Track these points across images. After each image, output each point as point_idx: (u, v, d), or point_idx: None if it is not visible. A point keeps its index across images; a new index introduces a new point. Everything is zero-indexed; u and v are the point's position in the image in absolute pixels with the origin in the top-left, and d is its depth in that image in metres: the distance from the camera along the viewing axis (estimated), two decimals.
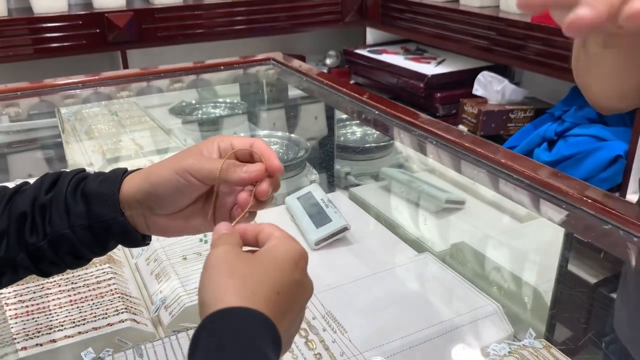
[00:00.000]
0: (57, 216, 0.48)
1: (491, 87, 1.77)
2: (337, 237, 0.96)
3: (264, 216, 1.04)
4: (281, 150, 1.28)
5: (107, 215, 0.48)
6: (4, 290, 0.79)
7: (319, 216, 0.99)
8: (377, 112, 1.02)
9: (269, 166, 0.48)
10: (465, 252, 0.95)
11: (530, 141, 1.63)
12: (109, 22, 2.01)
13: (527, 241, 0.97)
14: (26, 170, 1.38)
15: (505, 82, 1.77)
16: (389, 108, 0.98)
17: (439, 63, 2.13)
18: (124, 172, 0.51)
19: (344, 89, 1.11)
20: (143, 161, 1.26)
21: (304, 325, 0.73)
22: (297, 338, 0.70)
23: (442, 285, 0.82)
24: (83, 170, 0.52)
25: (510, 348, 0.70)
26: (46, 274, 0.51)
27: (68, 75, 1.34)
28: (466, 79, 1.94)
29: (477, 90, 1.80)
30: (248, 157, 0.50)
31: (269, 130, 1.37)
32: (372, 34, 2.57)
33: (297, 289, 0.43)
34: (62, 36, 1.98)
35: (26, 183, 0.52)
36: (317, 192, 1.06)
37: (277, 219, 1.05)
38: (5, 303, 0.77)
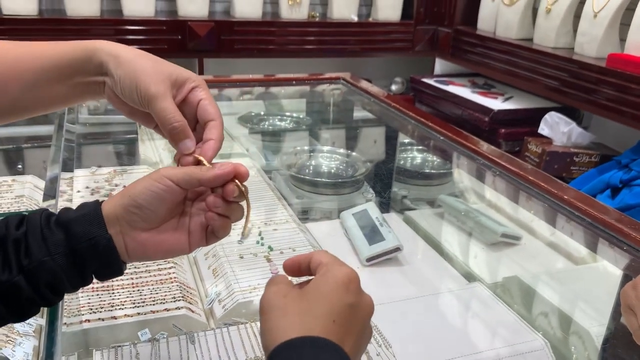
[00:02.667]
0: (35, 246, 0.46)
1: (557, 128, 1.75)
2: (389, 257, 0.97)
3: (318, 228, 1.07)
4: (341, 167, 1.31)
5: (93, 233, 0.48)
6: None
7: (372, 234, 1.01)
8: (442, 137, 1.03)
9: (237, 171, 0.51)
10: (517, 287, 0.94)
11: (594, 186, 1.60)
12: (190, 30, 2.11)
13: (582, 283, 0.95)
14: (97, 162, 1.46)
15: (573, 124, 1.74)
16: (454, 135, 1.00)
17: (506, 99, 2.12)
18: (97, 201, 0.51)
19: (411, 113, 1.13)
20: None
21: None
22: None
23: (491, 315, 0.82)
24: (46, 209, 0.51)
25: None
26: (19, 317, 0.49)
27: None
28: (532, 117, 1.92)
29: (543, 129, 1.78)
30: None
31: (330, 146, 1.40)
32: (440, 65, 2.59)
33: (352, 311, 0.45)
34: (145, 39, 2.10)
35: None
36: (373, 211, 1.08)
37: (331, 232, 1.07)
38: None
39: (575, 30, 1.92)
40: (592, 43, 1.80)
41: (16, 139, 1.55)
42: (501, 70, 2.10)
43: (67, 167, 1.04)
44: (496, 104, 2.04)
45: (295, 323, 0.42)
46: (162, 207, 0.50)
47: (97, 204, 0.50)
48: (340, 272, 0.46)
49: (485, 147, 0.98)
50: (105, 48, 0.53)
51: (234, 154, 1.41)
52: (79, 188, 1.07)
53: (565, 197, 0.79)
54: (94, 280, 0.82)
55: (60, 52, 0.53)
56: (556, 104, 1.96)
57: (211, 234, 0.53)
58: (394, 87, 2.82)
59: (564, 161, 1.72)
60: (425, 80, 2.41)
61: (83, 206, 0.50)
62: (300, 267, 0.50)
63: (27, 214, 0.49)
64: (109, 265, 0.50)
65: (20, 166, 1.49)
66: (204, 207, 0.53)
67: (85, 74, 0.54)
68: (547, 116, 1.78)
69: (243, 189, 0.52)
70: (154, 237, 0.51)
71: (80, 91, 0.55)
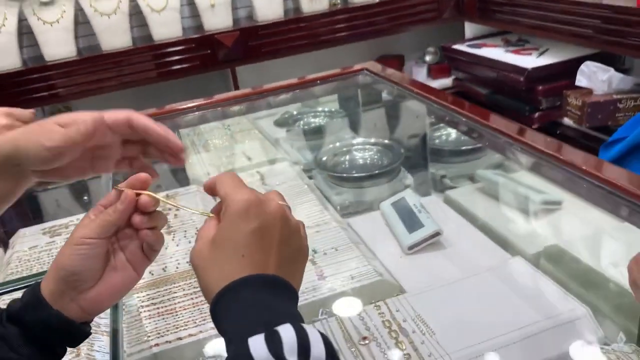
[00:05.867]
0: None
1: (596, 77, 1.69)
2: (430, 242, 1.00)
3: (360, 222, 1.11)
4: (376, 157, 1.34)
5: (41, 316, 0.51)
6: (140, 293, 0.93)
7: (411, 222, 1.04)
8: (464, 119, 1.05)
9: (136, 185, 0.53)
10: (559, 254, 0.95)
11: None
12: (218, 43, 2.18)
13: (625, 242, 0.95)
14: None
15: (611, 70, 1.69)
16: (477, 115, 1.01)
17: (541, 54, 2.07)
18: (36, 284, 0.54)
19: (432, 97, 1.14)
20: (252, 172, 1.38)
21: (394, 327, 0.78)
22: (387, 339, 0.77)
23: (532, 288, 0.84)
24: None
25: (598, 351, 0.71)
26: None
27: (187, 95, 1.51)
28: (570, 69, 1.87)
29: (581, 81, 1.73)
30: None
31: (363, 137, 1.43)
32: (470, 28, 2.55)
33: (259, 235, 0.46)
34: (179, 59, 2.18)
35: None
36: (411, 198, 1.10)
37: (373, 225, 1.11)
38: (141, 305, 0.90)
39: None
40: None
41: None
42: (531, 25, 2.05)
43: None
44: (531, 61, 1.99)
45: (214, 277, 0.45)
46: (96, 262, 0.52)
47: (37, 288, 0.53)
48: (236, 203, 0.47)
49: (510, 125, 0.99)
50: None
51: (278, 159, 1.47)
52: None
53: (594, 172, 0.80)
54: (157, 306, 0.90)
55: None
56: (593, 50, 1.89)
57: (148, 250, 0.56)
58: (427, 58, 2.80)
59: (607, 110, 1.67)
60: (456, 47, 2.38)
61: (25, 294, 0.53)
62: (213, 192, 0.51)
63: None
64: (71, 334, 0.53)
65: (85, 198, 1.60)
66: (128, 233, 0.55)
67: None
68: (583, 67, 1.73)
69: (154, 197, 0.54)
70: (103, 288, 0.53)
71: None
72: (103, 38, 2.13)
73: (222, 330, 0.43)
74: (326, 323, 0.82)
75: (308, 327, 0.41)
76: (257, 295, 0.43)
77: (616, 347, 0.71)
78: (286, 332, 0.39)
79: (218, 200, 0.51)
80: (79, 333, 0.53)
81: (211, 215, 0.51)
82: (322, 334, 0.41)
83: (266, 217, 0.47)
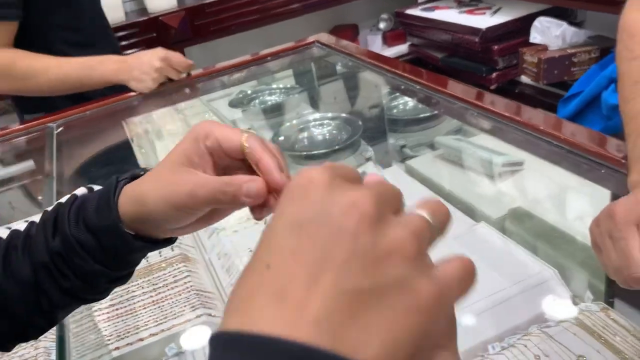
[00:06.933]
0: (77, 259, 0.47)
1: (549, 33, 1.69)
2: None
3: None
4: (335, 132, 1.31)
5: (119, 246, 0.47)
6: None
7: None
8: (418, 87, 1.02)
9: (269, 181, 0.40)
10: (523, 216, 0.94)
11: (597, 84, 1.55)
12: (163, 25, 2.10)
13: (587, 200, 0.94)
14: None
15: (564, 25, 1.68)
16: (434, 83, 0.99)
17: (495, 12, 2.05)
18: (115, 192, 0.47)
19: (387, 67, 1.11)
20: None
21: None
22: None
23: (497, 254, 0.83)
24: (75, 196, 0.49)
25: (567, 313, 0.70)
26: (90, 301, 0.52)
27: None
28: (523, 26, 1.86)
29: (535, 37, 1.73)
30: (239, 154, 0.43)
31: (321, 112, 1.40)
32: None
33: (306, 229, 0.24)
34: (124, 45, 2.09)
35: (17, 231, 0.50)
36: (372, 171, 1.08)
37: None
38: (98, 308, 0.86)
39: None
40: None
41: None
42: None
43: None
44: (484, 20, 1.98)
45: (235, 292, 0.25)
46: (191, 217, 0.46)
47: (114, 214, 0.46)
48: (298, 178, 0.27)
49: (466, 89, 0.97)
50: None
51: None
52: None
53: (551, 131, 0.78)
54: (116, 307, 0.86)
55: None
56: (546, 6, 1.88)
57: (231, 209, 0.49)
58: (382, 25, 2.76)
59: (562, 64, 1.67)
60: (409, 12, 2.35)
61: (99, 209, 0.46)
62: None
63: (60, 206, 0.49)
64: (153, 249, 0.50)
65: (40, 197, 1.52)
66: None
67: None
68: (536, 23, 1.72)
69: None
70: (193, 226, 0.48)
71: None
72: None
73: None
74: None
75: None
76: None
77: (584, 306, 0.70)
78: None
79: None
80: (162, 244, 0.50)
81: None
82: None
83: (331, 209, 0.25)
